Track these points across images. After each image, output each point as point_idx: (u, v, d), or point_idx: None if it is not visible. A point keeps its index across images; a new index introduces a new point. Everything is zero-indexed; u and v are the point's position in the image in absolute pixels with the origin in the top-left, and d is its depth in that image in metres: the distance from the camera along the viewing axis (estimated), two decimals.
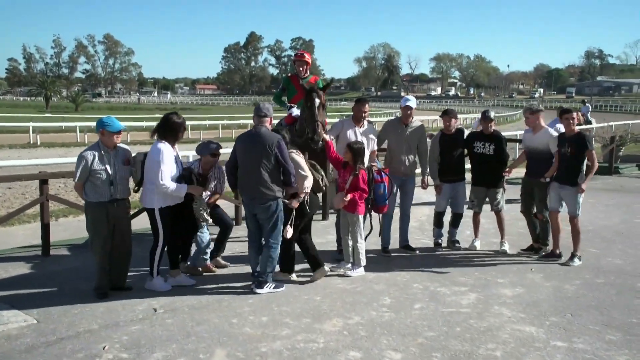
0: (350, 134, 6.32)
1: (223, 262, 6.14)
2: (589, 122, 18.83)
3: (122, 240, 5.20)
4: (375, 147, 6.58)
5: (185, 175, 5.29)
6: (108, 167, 4.97)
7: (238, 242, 6.89)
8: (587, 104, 27.33)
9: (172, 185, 5.05)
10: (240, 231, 7.21)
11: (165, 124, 5.18)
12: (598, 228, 8.13)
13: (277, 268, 5.62)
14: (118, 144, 5.12)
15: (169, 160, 5.06)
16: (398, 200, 6.72)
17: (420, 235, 7.46)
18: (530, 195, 6.65)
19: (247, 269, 5.75)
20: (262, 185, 5.15)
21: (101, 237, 5.04)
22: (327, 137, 6.03)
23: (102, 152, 4.98)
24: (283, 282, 5.50)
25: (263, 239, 5.41)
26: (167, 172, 5.02)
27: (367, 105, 6.49)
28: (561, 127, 6.70)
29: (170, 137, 5.17)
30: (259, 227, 5.38)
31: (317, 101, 5.99)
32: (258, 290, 5.24)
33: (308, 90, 6.10)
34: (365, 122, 6.52)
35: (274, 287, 5.30)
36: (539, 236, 6.73)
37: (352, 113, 6.56)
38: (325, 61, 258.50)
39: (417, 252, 6.77)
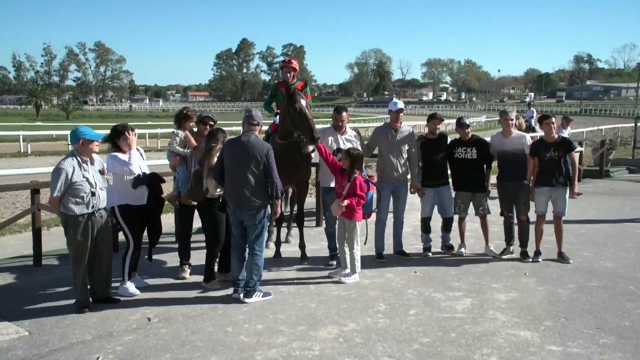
0: (332, 141, 6.34)
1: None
2: (533, 129, 15.84)
3: (105, 250, 5.13)
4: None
5: (141, 178, 5.38)
6: (90, 178, 4.88)
7: None
8: (532, 108, 23.44)
9: (134, 167, 5.32)
10: None
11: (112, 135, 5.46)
12: (590, 231, 8.19)
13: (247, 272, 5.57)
14: (93, 154, 5.02)
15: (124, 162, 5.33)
16: (391, 206, 6.73)
17: (414, 240, 7.48)
18: (511, 198, 6.70)
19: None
20: (250, 193, 5.15)
21: (85, 250, 4.93)
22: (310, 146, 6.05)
23: (80, 162, 4.87)
24: (224, 282, 5.64)
25: (247, 246, 5.38)
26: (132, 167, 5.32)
27: (344, 114, 6.49)
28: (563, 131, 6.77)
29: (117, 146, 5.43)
30: (243, 235, 5.35)
31: (304, 102, 5.99)
32: (247, 300, 5.21)
33: (290, 93, 6.08)
34: (348, 129, 6.55)
35: (263, 296, 5.27)
36: (512, 237, 6.81)
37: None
38: (317, 67, 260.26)
39: (411, 257, 6.78)
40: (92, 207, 4.91)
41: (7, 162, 19.52)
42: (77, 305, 5.02)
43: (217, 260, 5.81)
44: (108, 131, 5.63)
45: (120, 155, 5.38)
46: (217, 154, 5.41)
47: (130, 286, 5.44)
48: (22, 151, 23.58)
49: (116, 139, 5.44)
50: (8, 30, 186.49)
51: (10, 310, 5.00)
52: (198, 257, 6.05)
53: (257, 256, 5.27)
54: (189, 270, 6.03)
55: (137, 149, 5.69)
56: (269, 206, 5.30)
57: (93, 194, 4.89)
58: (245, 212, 5.23)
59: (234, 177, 5.21)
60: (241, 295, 5.26)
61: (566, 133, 11.43)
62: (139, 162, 5.48)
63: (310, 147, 6.20)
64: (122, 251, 5.58)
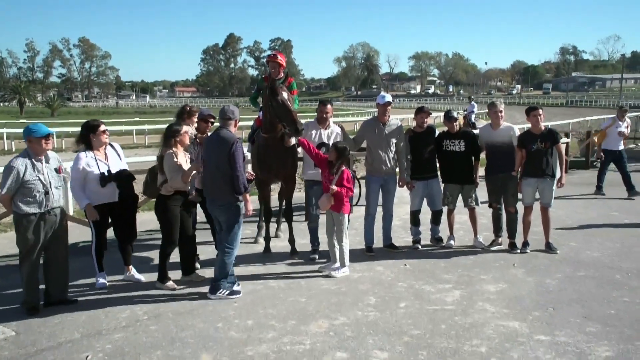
0: (314, 135, 6.33)
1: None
2: (473, 125, 15.21)
3: (59, 250, 5.04)
4: None
5: (106, 176, 5.37)
6: (42, 177, 4.78)
7: None
8: (472, 102, 22.07)
9: (75, 191, 5.45)
10: None
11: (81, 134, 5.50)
12: (576, 222, 8.28)
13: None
14: (48, 151, 4.91)
15: (81, 167, 5.33)
16: (380, 200, 6.75)
17: (404, 233, 7.51)
18: (499, 190, 6.75)
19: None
20: (219, 187, 5.15)
21: (34, 250, 4.83)
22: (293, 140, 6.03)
23: (34, 160, 4.78)
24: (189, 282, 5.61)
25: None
26: (75, 177, 5.34)
27: (328, 106, 6.48)
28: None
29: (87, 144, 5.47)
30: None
31: (285, 94, 5.96)
32: (211, 296, 5.18)
33: (271, 86, 6.05)
34: (331, 123, 6.54)
35: (228, 293, 5.19)
36: (500, 229, 6.87)
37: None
38: (304, 61, 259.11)
39: (401, 250, 6.81)
40: (45, 206, 4.82)
41: None
42: (24, 306, 4.89)
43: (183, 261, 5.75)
44: (75, 129, 5.62)
45: (84, 157, 5.36)
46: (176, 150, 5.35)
47: (99, 277, 5.57)
48: (6, 149, 23.23)
49: (91, 134, 5.41)
50: None
51: None
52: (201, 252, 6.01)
53: (225, 253, 5.21)
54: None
55: (112, 145, 5.66)
56: (242, 202, 5.23)
57: (47, 192, 4.80)
58: (216, 207, 5.26)
59: (206, 171, 5.25)
60: (208, 290, 5.24)
61: (623, 126, 10.64)
62: (109, 160, 5.48)
63: (293, 140, 6.17)
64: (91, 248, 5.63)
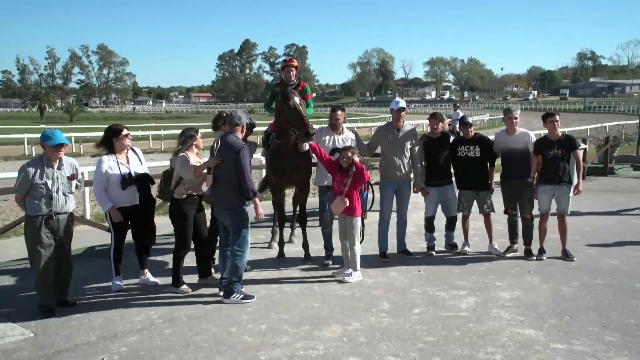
0: (328, 140, 6.34)
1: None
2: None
3: (63, 254, 5.13)
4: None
5: (127, 179, 5.46)
6: (49, 181, 4.88)
7: None
8: (458, 110, 21.09)
9: (98, 194, 5.52)
10: None
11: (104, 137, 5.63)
12: (595, 229, 8.16)
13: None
14: (64, 157, 5.05)
15: (104, 170, 5.45)
16: (394, 205, 6.73)
17: (418, 239, 7.47)
18: (515, 196, 6.68)
19: (244, 275, 5.74)
20: (223, 192, 5.19)
21: (39, 252, 4.93)
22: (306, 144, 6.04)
23: (45, 166, 4.91)
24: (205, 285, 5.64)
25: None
26: (98, 179, 5.46)
27: (339, 112, 6.50)
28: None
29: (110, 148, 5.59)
30: (227, 235, 5.38)
31: (297, 99, 5.98)
32: (225, 300, 5.21)
33: (282, 91, 6.10)
34: (345, 129, 6.55)
35: (242, 298, 5.22)
36: (516, 235, 6.80)
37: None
38: (319, 67, 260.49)
39: (415, 256, 6.78)
40: (50, 210, 4.92)
41: (12, 164, 19.59)
42: (40, 309, 4.98)
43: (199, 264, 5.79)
44: (93, 134, 5.73)
45: (106, 160, 5.48)
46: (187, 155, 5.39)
47: (115, 281, 5.64)
48: (26, 154, 23.67)
49: (114, 138, 5.55)
50: (12, 34, 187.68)
51: (15, 312, 5.03)
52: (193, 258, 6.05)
53: (236, 257, 5.23)
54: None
55: (133, 149, 5.77)
56: (247, 207, 5.25)
57: (50, 197, 4.90)
58: (221, 212, 5.29)
59: (214, 176, 5.29)
60: (222, 294, 5.28)
61: None
62: (131, 164, 5.58)
63: (307, 145, 6.18)
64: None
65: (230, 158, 5.10)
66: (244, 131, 5.36)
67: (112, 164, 5.49)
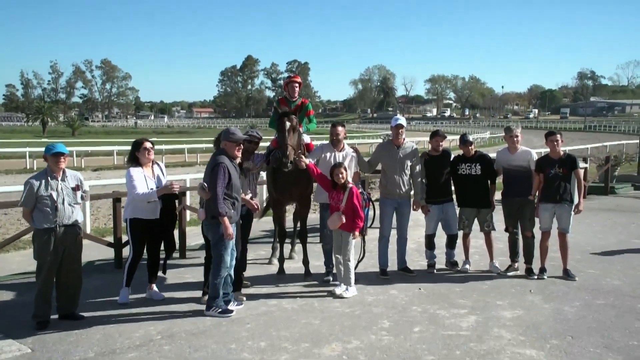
0: (329, 157, 6.36)
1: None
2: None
3: (71, 266, 5.16)
4: (357, 169, 6.62)
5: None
6: (53, 193, 4.97)
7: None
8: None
9: (141, 190, 5.49)
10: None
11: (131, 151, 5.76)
12: (596, 249, 8.13)
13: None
14: (66, 169, 5.14)
15: (139, 179, 5.53)
16: (394, 223, 6.72)
17: (418, 257, 7.44)
18: (516, 214, 6.68)
19: (244, 291, 5.72)
20: (205, 206, 5.28)
21: (46, 264, 4.98)
22: (306, 160, 6.05)
23: (49, 178, 4.99)
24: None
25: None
26: (138, 186, 5.50)
27: (339, 128, 6.51)
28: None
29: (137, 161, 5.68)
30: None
31: (288, 124, 6.05)
32: (206, 312, 5.29)
33: (280, 114, 6.18)
34: (346, 146, 6.57)
35: (220, 312, 5.24)
36: (517, 254, 6.78)
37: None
38: (321, 83, 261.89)
39: (416, 274, 6.75)
40: (55, 221, 4.97)
41: (13, 178, 19.65)
42: (34, 319, 5.01)
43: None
44: (110, 147, 5.79)
45: (133, 170, 5.54)
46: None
47: (123, 292, 5.66)
48: (28, 167, 23.73)
49: (136, 152, 5.65)
50: (17, 49, 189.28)
51: (13, 328, 4.99)
52: (195, 274, 6.03)
53: (212, 274, 5.29)
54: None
55: (157, 163, 5.87)
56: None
57: (56, 208, 4.96)
58: (204, 225, 5.37)
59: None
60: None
61: None
62: (155, 177, 5.66)
63: (306, 161, 6.14)
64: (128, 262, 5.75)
65: (207, 173, 5.24)
66: (240, 149, 5.39)
67: (139, 176, 5.55)
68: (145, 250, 5.81)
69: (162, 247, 5.94)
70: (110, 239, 7.61)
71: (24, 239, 8.19)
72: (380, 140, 22.02)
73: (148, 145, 5.69)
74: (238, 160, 5.48)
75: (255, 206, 5.77)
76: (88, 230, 9.20)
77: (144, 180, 5.56)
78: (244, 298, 5.73)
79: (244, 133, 6.25)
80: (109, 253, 7.37)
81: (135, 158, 5.67)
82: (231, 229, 5.18)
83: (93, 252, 7.44)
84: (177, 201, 5.96)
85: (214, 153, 5.46)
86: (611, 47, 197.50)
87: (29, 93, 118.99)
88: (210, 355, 4.38)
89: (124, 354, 4.42)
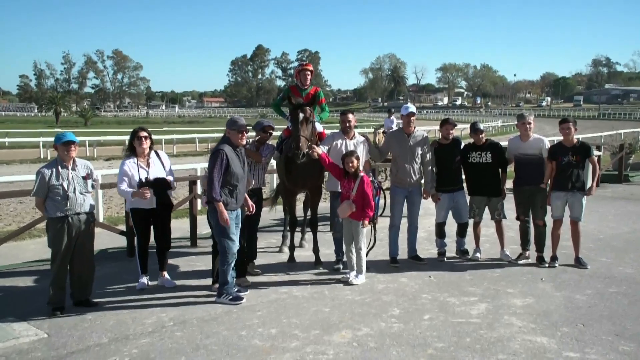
0: (340, 144, 6.35)
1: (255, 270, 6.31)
2: None
3: (84, 254, 5.25)
4: (368, 158, 6.60)
5: (144, 183, 5.55)
6: (64, 182, 5.04)
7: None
8: (392, 117, 16.43)
9: (123, 188, 5.58)
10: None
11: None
12: (608, 237, 8.06)
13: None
14: (77, 159, 5.20)
15: (125, 174, 5.60)
16: (405, 211, 6.71)
17: (429, 245, 7.44)
18: (527, 202, 6.63)
19: (255, 279, 5.77)
20: (205, 193, 5.37)
21: (60, 252, 5.08)
22: (319, 150, 6.04)
23: (60, 167, 5.07)
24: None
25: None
26: (122, 182, 5.59)
27: (349, 115, 6.46)
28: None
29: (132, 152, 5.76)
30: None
31: (301, 116, 6.05)
32: (216, 299, 5.36)
33: (293, 106, 6.17)
34: (356, 134, 6.55)
35: (231, 299, 5.31)
36: (528, 242, 6.75)
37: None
38: (331, 72, 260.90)
39: (426, 262, 6.75)
40: (67, 210, 5.05)
41: (28, 167, 19.88)
42: (49, 305, 5.12)
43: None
44: (122, 137, 5.88)
45: (124, 164, 5.63)
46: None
47: (140, 279, 5.79)
48: (42, 157, 23.98)
49: (133, 141, 5.74)
50: (30, 40, 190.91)
51: (30, 313, 5.09)
52: (206, 262, 6.09)
53: (220, 260, 5.37)
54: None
55: (157, 152, 5.89)
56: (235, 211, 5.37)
57: (67, 197, 5.03)
58: (207, 212, 5.48)
59: None
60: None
61: None
62: (150, 167, 5.69)
63: (318, 151, 6.14)
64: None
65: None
66: (244, 136, 5.41)
67: (132, 167, 5.62)
68: (153, 239, 5.89)
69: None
70: (123, 227, 7.71)
71: (38, 227, 8.31)
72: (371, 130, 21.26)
73: (142, 134, 5.72)
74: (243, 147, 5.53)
75: (252, 208, 5.73)
76: (101, 219, 9.30)
77: (137, 171, 5.60)
78: (249, 282, 5.82)
79: (256, 124, 6.33)
80: (121, 241, 7.45)
81: (132, 147, 5.73)
82: (226, 214, 5.21)
83: (105, 240, 7.54)
84: (170, 192, 5.98)
85: (218, 141, 5.51)
86: (627, 32, 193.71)
87: (42, 83, 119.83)
88: (221, 342, 4.44)
89: (137, 340, 4.49)
